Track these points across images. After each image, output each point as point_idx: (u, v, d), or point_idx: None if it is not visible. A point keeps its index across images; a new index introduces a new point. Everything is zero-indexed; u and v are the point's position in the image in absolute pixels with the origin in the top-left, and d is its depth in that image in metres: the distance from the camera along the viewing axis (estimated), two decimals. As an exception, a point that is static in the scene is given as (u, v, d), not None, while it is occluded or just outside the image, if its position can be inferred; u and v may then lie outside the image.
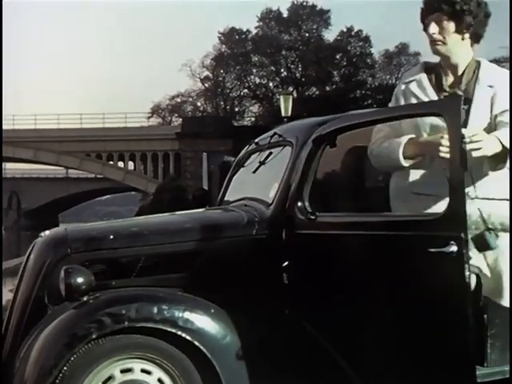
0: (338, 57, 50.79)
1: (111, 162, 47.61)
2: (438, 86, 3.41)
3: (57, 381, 3.20)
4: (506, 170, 3.16)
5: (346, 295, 3.40)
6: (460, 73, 3.38)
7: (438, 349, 3.05)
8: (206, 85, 52.49)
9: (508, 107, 3.22)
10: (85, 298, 3.37)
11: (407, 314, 3.18)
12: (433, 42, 3.33)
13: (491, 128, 3.23)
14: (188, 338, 3.31)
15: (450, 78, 3.42)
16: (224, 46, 52.00)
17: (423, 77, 3.44)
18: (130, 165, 47.95)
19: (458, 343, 3.00)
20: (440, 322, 3.05)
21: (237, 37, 51.48)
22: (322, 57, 47.81)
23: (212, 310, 3.43)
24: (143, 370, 3.34)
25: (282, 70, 51.98)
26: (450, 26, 3.28)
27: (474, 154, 2.98)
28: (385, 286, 3.23)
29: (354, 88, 50.45)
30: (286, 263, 3.52)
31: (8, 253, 26.53)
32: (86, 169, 49.91)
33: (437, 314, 3.06)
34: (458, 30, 3.29)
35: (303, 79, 50.71)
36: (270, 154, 4.02)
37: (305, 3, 51.14)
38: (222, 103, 51.78)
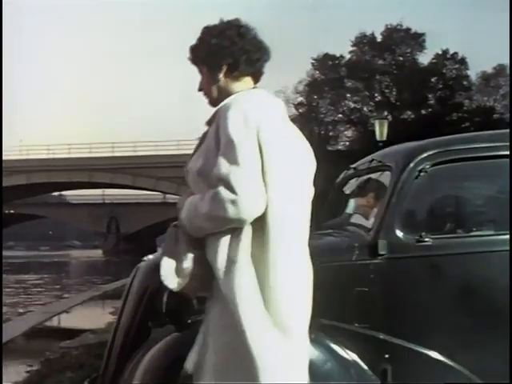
0: (433, 80, 50.04)
1: (207, 188, 48.26)
2: None
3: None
4: None
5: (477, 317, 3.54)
6: None
7: None
8: (300, 110, 52.66)
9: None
10: (188, 321, 3.42)
11: None
12: (205, 97, 2.89)
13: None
14: None
15: None
16: (317, 72, 52.11)
17: None
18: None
19: None
20: None
21: (330, 62, 51.50)
22: (416, 80, 47.17)
23: (312, 336, 3.42)
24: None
25: (376, 95, 51.62)
26: (206, 73, 2.85)
27: None
28: None
29: (451, 111, 49.48)
30: (387, 288, 3.49)
31: (108, 276, 27.35)
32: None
33: None
34: (213, 75, 2.82)
35: (398, 103, 50.17)
36: (369, 179, 4.00)
37: (399, 27, 50.73)
38: (316, 128, 51.75)
